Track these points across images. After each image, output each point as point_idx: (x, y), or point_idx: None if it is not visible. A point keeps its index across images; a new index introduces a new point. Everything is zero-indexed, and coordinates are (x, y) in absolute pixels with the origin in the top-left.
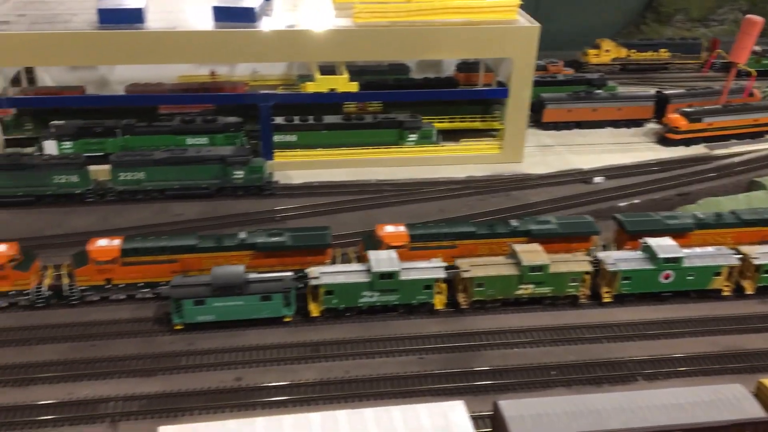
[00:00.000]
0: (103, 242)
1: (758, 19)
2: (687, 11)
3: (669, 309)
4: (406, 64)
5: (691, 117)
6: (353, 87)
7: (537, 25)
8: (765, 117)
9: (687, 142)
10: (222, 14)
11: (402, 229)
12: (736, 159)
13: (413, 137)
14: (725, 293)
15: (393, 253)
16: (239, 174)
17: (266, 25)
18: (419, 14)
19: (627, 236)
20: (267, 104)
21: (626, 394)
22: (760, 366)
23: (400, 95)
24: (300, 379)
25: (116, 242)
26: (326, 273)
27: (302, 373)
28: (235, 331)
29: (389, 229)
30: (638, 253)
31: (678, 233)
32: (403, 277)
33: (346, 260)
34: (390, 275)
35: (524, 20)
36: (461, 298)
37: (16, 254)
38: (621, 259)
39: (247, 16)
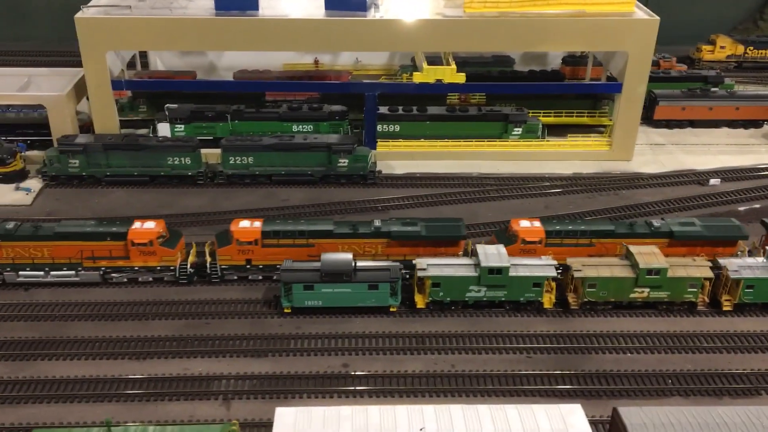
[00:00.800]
0: (245, 223)
1: None
2: None
3: None
4: (510, 56)
5: None
6: (460, 78)
7: (656, 18)
8: None
9: None
10: (333, 2)
11: (537, 224)
12: None
13: (518, 131)
14: None
15: (502, 248)
16: (344, 162)
17: (376, 14)
18: (532, 5)
19: None
20: (373, 93)
21: (754, 408)
22: None
23: (507, 87)
24: (406, 370)
25: (257, 224)
26: (434, 265)
27: (408, 364)
28: (341, 317)
29: (524, 224)
30: (763, 261)
31: None
32: (513, 273)
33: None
34: (499, 271)
35: (642, 13)
36: (571, 298)
37: (163, 231)
38: (744, 266)
39: (358, 4)
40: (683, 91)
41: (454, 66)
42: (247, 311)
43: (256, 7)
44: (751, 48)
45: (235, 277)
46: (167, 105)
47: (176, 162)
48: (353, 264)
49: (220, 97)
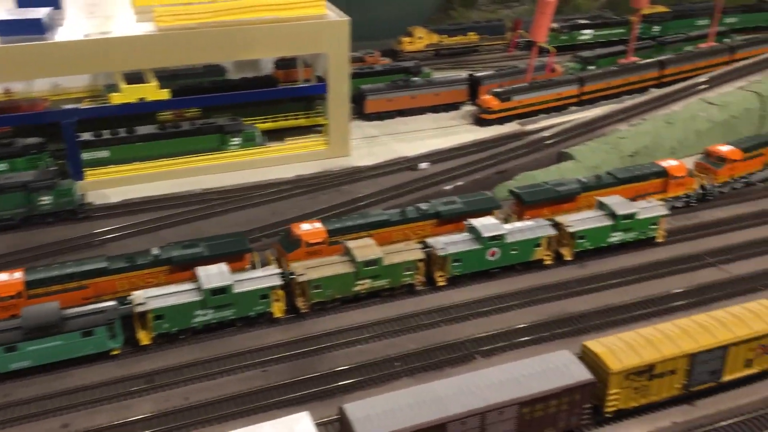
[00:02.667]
0: (3, 276)
1: None
2: None
3: (498, 284)
4: (222, 66)
5: (501, 96)
6: (164, 94)
7: (346, 18)
8: (567, 90)
9: (500, 121)
10: (6, 28)
11: (318, 225)
12: (546, 133)
13: (236, 141)
14: (547, 262)
15: (224, 266)
16: (46, 199)
17: (60, 35)
18: (226, 14)
19: (525, 207)
20: (70, 120)
21: (465, 376)
22: (583, 328)
23: (218, 99)
24: (135, 416)
25: (17, 275)
26: (152, 297)
27: (137, 407)
28: (58, 373)
29: (305, 227)
30: (465, 235)
31: (569, 198)
32: (237, 289)
33: (265, 264)
34: (222, 290)
35: (334, 14)
36: (300, 303)
37: None
38: (450, 242)
39: (34, 27)
40: (387, 84)
41: (155, 82)
42: None
43: None
44: (446, 36)
45: None
46: None
47: None
48: (60, 313)
49: None
